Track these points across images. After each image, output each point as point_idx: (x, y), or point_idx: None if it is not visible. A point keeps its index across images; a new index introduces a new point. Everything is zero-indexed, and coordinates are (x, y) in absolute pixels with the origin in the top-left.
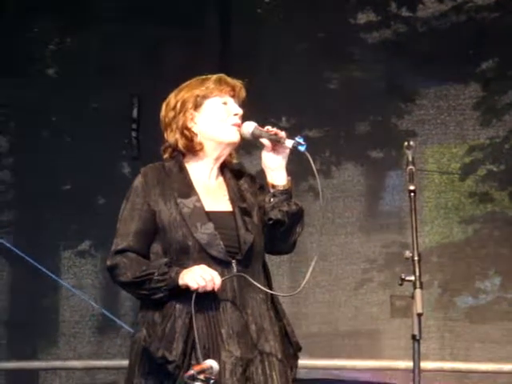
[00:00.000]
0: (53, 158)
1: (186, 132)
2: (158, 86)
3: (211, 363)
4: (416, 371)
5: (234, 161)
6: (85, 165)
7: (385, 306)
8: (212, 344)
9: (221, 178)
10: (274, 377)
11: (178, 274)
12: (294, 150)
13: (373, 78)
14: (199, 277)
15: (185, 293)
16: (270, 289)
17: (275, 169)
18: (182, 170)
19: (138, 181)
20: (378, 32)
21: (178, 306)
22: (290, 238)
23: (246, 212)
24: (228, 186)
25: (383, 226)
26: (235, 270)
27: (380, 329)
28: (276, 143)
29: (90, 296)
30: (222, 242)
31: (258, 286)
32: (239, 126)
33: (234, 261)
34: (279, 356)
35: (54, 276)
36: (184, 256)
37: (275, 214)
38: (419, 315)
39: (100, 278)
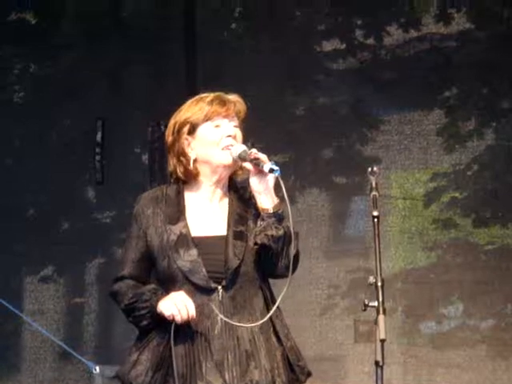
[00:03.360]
0: (16, 182)
1: (182, 158)
2: (122, 111)
3: None
4: None
5: (240, 177)
6: (48, 189)
7: (349, 331)
8: (190, 373)
9: (226, 199)
10: None
11: (158, 301)
12: (270, 173)
13: (337, 104)
14: (172, 305)
15: (165, 322)
16: (267, 313)
17: (262, 192)
18: (178, 195)
19: (136, 209)
20: (343, 59)
21: (159, 333)
22: (280, 262)
23: (240, 235)
24: (230, 207)
25: (347, 251)
26: (221, 296)
27: (344, 354)
28: (256, 167)
29: (52, 322)
30: (204, 269)
31: (232, 322)
32: (232, 146)
33: (219, 287)
34: (276, 381)
35: (10, 307)
36: (171, 283)
37: (261, 239)
38: (382, 341)
39: (62, 304)
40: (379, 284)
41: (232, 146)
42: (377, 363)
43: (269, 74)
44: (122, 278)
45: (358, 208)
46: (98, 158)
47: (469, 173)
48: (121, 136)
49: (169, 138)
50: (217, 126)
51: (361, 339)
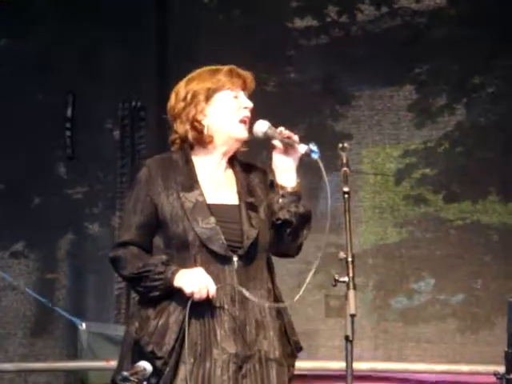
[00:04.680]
0: None
1: (196, 124)
2: (94, 86)
3: (144, 365)
4: (349, 371)
5: (243, 149)
6: (19, 165)
7: (320, 306)
8: (205, 342)
9: (230, 171)
10: (271, 375)
11: (174, 274)
12: (306, 156)
13: (309, 80)
14: (194, 284)
15: (181, 292)
16: (273, 285)
17: (285, 170)
18: (188, 163)
19: (142, 172)
20: (315, 36)
21: (173, 302)
22: (296, 240)
23: (252, 207)
24: (237, 179)
25: (319, 226)
26: (236, 266)
27: (315, 329)
28: (288, 146)
29: (22, 298)
30: (223, 237)
31: (251, 297)
32: (247, 119)
33: (235, 256)
34: (277, 354)
35: None
36: (184, 251)
37: (283, 214)
38: (352, 316)
39: (33, 279)
40: (350, 259)
41: (247, 118)
42: (347, 338)
43: (241, 50)
44: (124, 244)
45: (330, 184)
46: (68, 133)
47: (440, 149)
48: (92, 112)
49: (178, 105)
50: (235, 97)
51: (331, 314)
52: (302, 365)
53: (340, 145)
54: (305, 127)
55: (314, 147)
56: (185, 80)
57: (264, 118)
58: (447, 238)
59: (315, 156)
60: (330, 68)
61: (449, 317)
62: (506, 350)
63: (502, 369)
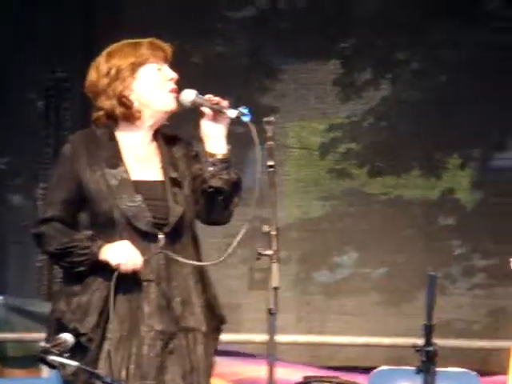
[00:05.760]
0: None
1: (124, 100)
2: (18, 57)
3: (66, 337)
4: (271, 344)
5: (166, 122)
6: None
7: (244, 279)
8: (131, 318)
9: (153, 145)
10: (198, 350)
11: (100, 248)
12: (237, 120)
13: (235, 53)
14: (120, 256)
15: (107, 267)
16: (199, 260)
17: (215, 137)
18: (113, 139)
19: (67, 148)
20: (241, 8)
21: (98, 279)
22: (228, 208)
23: (176, 182)
24: (161, 153)
25: (244, 200)
26: (162, 243)
27: (239, 302)
28: (217, 112)
29: None
30: (149, 215)
31: (181, 259)
32: (176, 91)
33: (161, 234)
34: (203, 329)
35: None
36: (110, 228)
37: (216, 182)
38: (275, 289)
39: None
40: (274, 233)
41: (175, 89)
42: (269, 311)
43: (167, 22)
44: (48, 220)
45: (255, 157)
46: None
47: (364, 124)
48: (16, 82)
49: (101, 81)
50: (159, 70)
51: (255, 287)
52: (226, 337)
53: (265, 118)
54: (231, 100)
55: (244, 110)
56: (104, 54)
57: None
58: (370, 212)
59: (246, 119)
60: (257, 41)
61: (371, 290)
62: (425, 322)
63: (421, 341)
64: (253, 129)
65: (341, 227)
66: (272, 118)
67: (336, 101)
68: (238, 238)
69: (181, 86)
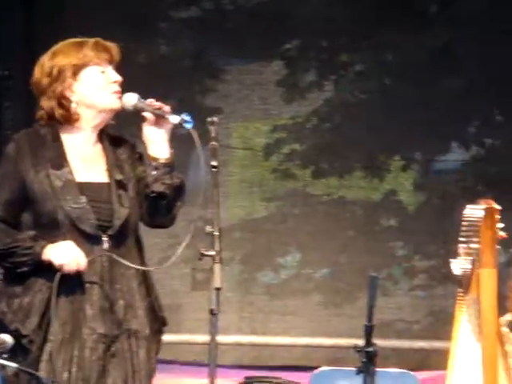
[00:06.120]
0: None
1: (63, 101)
2: None
3: (5, 337)
4: (213, 345)
5: (111, 122)
6: None
7: (186, 279)
8: (74, 321)
9: (99, 146)
10: (140, 354)
11: (43, 248)
12: (179, 126)
13: (179, 53)
14: (63, 256)
15: (50, 268)
16: (143, 263)
17: (157, 142)
18: (57, 139)
19: (11, 147)
20: (185, 9)
21: (40, 280)
22: (171, 212)
23: (122, 185)
24: (106, 155)
25: (187, 200)
26: (106, 245)
27: (181, 302)
28: (159, 117)
29: None
30: (93, 217)
31: (125, 262)
32: (119, 93)
33: (105, 236)
34: (146, 332)
35: None
36: (54, 230)
37: (158, 187)
38: (217, 289)
39: None
40: (216, 233)
41: (118, 92)
42: (211, 311)
43: (111, 21)
44: None
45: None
46: None
47: (308, 125)
48: None
49: (43, 80)
50: (102, 72)
51: (198, 287)
52: (167, 338)
53: (209, 119)
54: (174, 101)
55: (187, 117)
56: (49, 53)
57: (133, 90)
58: (314, 213)
59: (189, 126)
60: (200, 41)
61: (314, 291)
62: (366, 323)
63: (362, 342)
64: (195, 136)
65: (284, 228)
66: (215, 119)
67: (280, 102)
68: (183, 245)
69: (124, 86)
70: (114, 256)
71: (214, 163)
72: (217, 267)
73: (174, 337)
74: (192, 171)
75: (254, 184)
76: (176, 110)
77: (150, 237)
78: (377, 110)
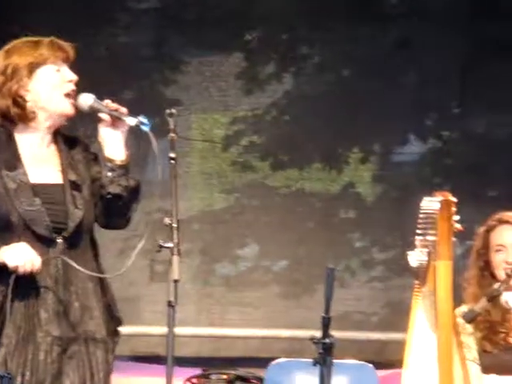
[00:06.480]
0: None
1: (18, 100)
2: None
3: None
4: (170, 337)
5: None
6: None
7: (145, 271)
8: (28, 324)
9: (53, 147)
10: (98, 355)
11: None
12: (136, 128)
13: (139, 45)
14: (18, 257)
15: (3, 271)
16: (98, 263)
17: (113, 143)
18: (11, 140)
19: None
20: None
21: None
22: (127, 214)
23: (76, 186)
24: (60, 155)
25: (147, 192)
26: (61, 247)
27: (139, 294)
28: (116, 119)
29: None
30: (47, 219)
31: (79, 268)
32: (72, 93)
33: (59, 238)
34: (103, 333)
35: None
36: (8, 232)
37: (114, 189)
38: (175, 281)
39: None
40: (175, 225)
41: (73, 91)
42: (169, 303)
43: (69, 13)
44: None
45: (159, 149)
46: None
47: (267, 117)
48: None
49: None
50: (58, 71)
51: (156, 279)
52: (126, 330)
53: (167, 111)
54: (134, 92)
55: (144, 119)
56: (3, 52)
57: (93, 83)
58: (273, 204)
59: (146, 128)
60: (160, 32)
61: (272, 282)
62: (323, 315)
63: (319, 333)
64: (152, 139)
65: (243, 220)
66: (174, 111)
67: (239, 94)
68: (137, 249)
69: (85, 78)
70: (67, 259)
71: (173, 155)
72: (175, 259)
73: (132, 329)
74: (152, 163)
75: (213, 176)
76: (134, 105)
77: (108, 231)
78: (336, 102)
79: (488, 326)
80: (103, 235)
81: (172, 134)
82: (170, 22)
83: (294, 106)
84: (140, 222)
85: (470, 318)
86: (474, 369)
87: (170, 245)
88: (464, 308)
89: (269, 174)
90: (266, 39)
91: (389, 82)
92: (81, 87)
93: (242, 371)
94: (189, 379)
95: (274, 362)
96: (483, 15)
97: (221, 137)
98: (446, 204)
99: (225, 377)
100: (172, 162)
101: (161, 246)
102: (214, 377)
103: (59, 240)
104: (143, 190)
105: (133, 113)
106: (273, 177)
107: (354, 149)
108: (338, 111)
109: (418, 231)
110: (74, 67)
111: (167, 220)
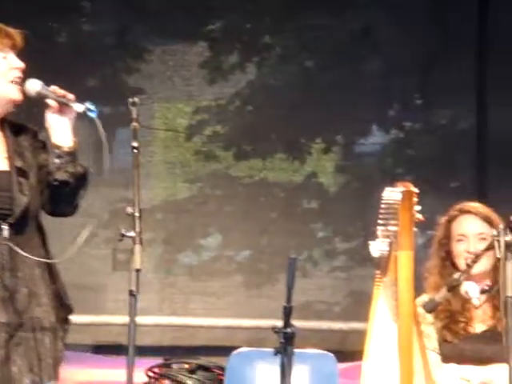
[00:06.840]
0: None
1: None
2: None
3: None
4: (132, 326)
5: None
6: None
7: (107, 260)
8: None
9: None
10: (46, 341)
11: None
12: (83, 114)
13: (101, 32)
14: None
15: None
16: (45, 250)
17: (60, 130)
18: None
19: None
20: None
21: None
22: (74, 201)
23: (22, 172)
24: (6, 143)
25: (109, 181)
26: (6, 233)
27: (102, 283)
28: (63, 105)
29: None
30: None
31: (25, 254)
32: (20, 80)
33: (5, 224)
34: (52, 320)
35: None
36: None
37: (61, 175)
38: (137, 271)
39: None
40: (137, 214)
41: (19, 78)
42: (131, 292)
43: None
44: None
45: (122, 139)
46: None
47: (231, 107)
48: None
49: None
50: (4, 58)
51: (119, 268)
52: (88, 319)
53: (130, 99)
54: (97, 80)
55: (91, 106)
56: None
57: (56, 70)
58: (236, 194)
59: (93, 115)
60: (124, 20)
61: (235, 272)
62: (285, 304)
63: (280, 323)
64: (99, 125)
65: (206, 209)
66: (136, 99)
67: (202, 83)
68: (83, 237)
69: (47, 65)
70: (12, 246)
71: (135, 144)
72: (137, 248)
73: (94, 318)
74: (115, 151)
75: (176, 165)
76: (96, 93)
77: (71, 220)
78: (299, 92)
79: (448, 316)
80: (57, 222)
81: (135, 123)
82: (134, 10)
83: (258, 96)
84: (103, 210)
85: (431, 308)
86: (434, 358)
87: (133, 234)
88: (424, 298)
89: (232, 164)
90: (230, 28)
91: (351, 72)
92: (44, 73)
93: (203, 360)
94: (150, 369)
95: (235, 352)
96: (445, 5)
97: (184, 126)
98: (407, 194)
99: (186, 366)
100: (135, 151)
101: (123, 235)
102: (175, 366)
103: (4, 226)
104: (103, 179)
105: (96, 101)
106: (236, 167)
107: (316, 139)
108: (300, 101)
109: (380, 221)
110: (35, 54)
111: (129, 209)
